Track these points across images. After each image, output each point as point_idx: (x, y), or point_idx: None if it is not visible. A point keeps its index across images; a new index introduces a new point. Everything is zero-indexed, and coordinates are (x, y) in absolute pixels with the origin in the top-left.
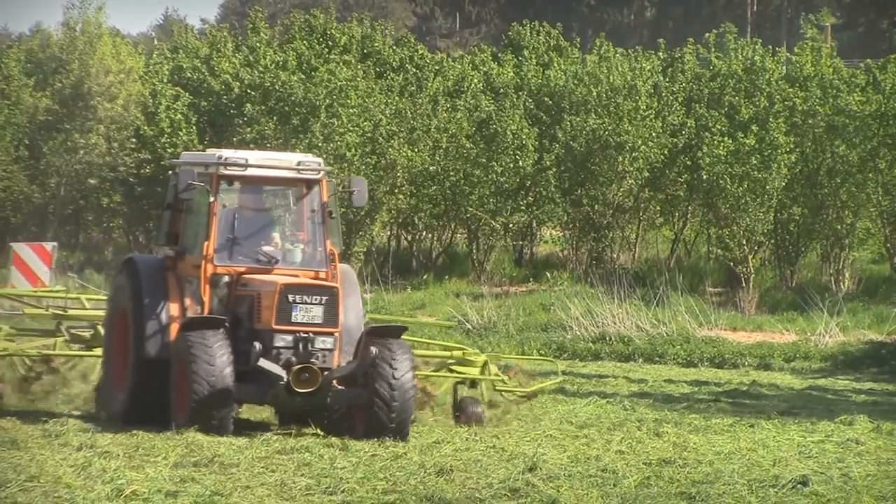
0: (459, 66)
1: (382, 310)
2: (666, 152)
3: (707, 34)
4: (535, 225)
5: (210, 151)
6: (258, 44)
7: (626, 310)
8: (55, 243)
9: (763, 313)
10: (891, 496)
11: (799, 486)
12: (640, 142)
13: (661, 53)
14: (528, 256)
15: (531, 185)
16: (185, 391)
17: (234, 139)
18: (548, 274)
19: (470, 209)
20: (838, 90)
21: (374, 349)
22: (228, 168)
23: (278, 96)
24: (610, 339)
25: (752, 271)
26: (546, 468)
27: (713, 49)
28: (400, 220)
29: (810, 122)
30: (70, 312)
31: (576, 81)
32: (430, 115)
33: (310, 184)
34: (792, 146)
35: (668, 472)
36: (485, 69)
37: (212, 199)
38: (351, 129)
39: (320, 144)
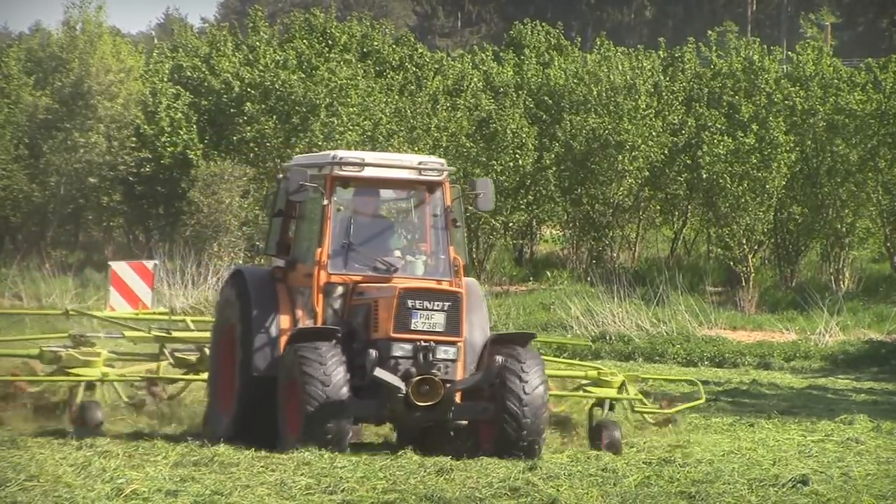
0: (459, 65)
1: None
2: (666, 151)
3: (709, 31)
4: (534, 224)
5: (324, 152)
6: (258, 43)
7: (626, 309)
8: (156, 261)
9: (763, 312)
10: (891, 495)
11: (799, 485)
12: (639, 141)
13: (661, 52)
14: (528, 255)
15: (531, 183)
16: (297, 407)
17: (234, 138)
18: (548, 273)
19: (470, 208)
20: (838, 89)
21: (500, 358)
22: (344, 169)
23: (278, 95)
24: (610, 338)
25: (752, 270)
26: (546, 467)
27: (714, 48)
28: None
29: (810, 121)
30: (174, 335)
31: (576, 80)
32: (430, 114)
33: (432, 186)
34: (792, 145)
35: (668, 472)
36: (485, 68)
37: (325, 202)
38: (351, 128)
39: (320, 143)
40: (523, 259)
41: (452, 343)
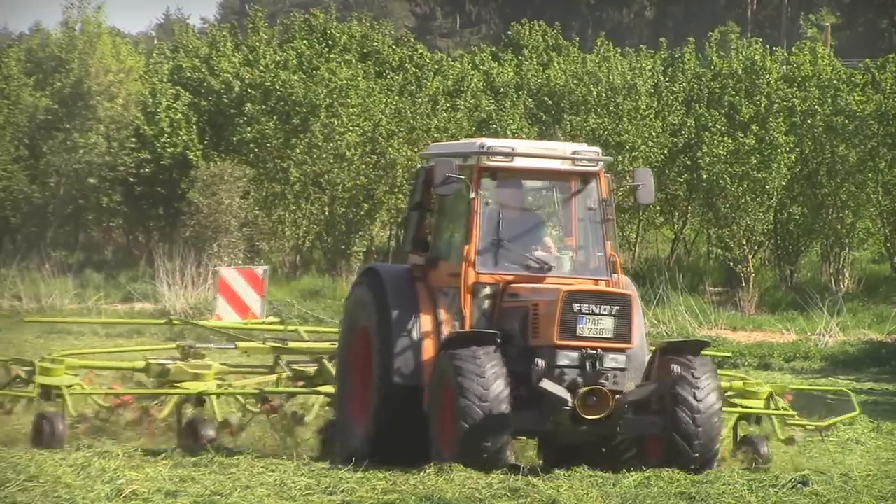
0: (459, 66)
1: None
2: (666, 152)
3: (711, 32)
4: None
5: (467, 140)
6: (258, 43)
7: None
8: (266, 267)
9: (763, 313)
10: (891, 496)
11: (799, 485)
12: (639, 141)
13: (661, 53)
14: None
15: None
16: (452, 419)
17: (234, 139)
18: None
19: None
20: (837, 90)
21: (676, 367)
22: (492, 158)
23: (278, 96)
24: None
25: (752, 271)
26: (546, 468)
27: (715, 48)
28: (399, 220)
29: (810, 121)
30: (291, 345)
31: (576, 81)
32: (430, 115)
33: (587, 177)
34: (792, 146)
35: (667, 472)
36: (485, 69)
37: (472, 195)
38: (351, 128)
39: (320, 144)
40: None
41: (622, 350)
